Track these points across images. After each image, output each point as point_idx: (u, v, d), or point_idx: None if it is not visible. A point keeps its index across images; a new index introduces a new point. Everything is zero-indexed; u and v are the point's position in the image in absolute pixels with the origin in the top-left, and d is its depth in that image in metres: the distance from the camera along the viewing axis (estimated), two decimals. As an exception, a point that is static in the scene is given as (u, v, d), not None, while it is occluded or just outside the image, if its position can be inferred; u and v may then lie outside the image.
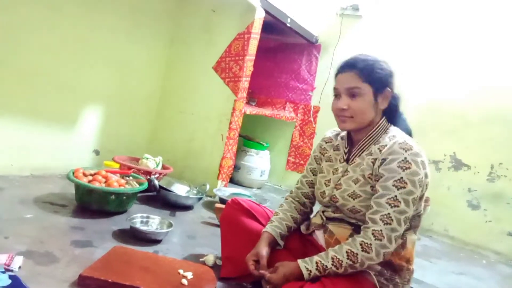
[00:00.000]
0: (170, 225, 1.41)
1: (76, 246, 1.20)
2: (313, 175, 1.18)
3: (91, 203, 1.49)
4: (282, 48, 2.94)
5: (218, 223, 1.58)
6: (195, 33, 2.34)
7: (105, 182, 1.53)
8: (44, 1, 1.71)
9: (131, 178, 1.68)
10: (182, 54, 2.38)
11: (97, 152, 2.13)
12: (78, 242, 1.23)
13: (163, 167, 2.06)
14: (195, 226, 1.64)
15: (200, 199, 1.89)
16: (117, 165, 1.89)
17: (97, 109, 2.09)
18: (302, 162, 2.80)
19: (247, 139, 2.72)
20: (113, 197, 1.49)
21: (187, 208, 1.84)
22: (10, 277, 0.87)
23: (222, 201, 1.93)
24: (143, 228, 1.38)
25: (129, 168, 1.84)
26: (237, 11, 2.16)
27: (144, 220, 1.44)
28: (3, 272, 0.87)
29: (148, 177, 1.84)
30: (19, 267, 0.97)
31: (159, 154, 2.11)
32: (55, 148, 1.91)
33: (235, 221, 1.20)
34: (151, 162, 2.03)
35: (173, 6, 2.37)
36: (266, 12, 2.15)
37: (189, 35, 2.36)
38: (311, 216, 1.20)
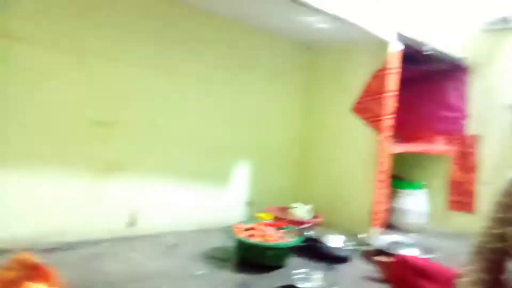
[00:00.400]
0: (332, 284, 1.33)
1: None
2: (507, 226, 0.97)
3: (251, 258, 1.52)
4: (423, 77, 2.70)
5: (383, 278, 1.44)
6: (327, 79, 2.34)
7: (263, 236, 1.56)
8: (197, 73, 1.94)
9: (286, 230, 1.68)
10: (316, 102, 2.40)
11: (249, 204, 2.23)
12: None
13: (314, 216, 2.03)
14: (358, 282, 1.52)
15: (356, 250, 1.77)
16: (270, 216, 1.93)
17: (244, 164, 2.21)
18: (466, 200, 2.43)
19: (398, 179, 2.51)
20: (270, 252, 1.50)
21: (343, 260, 1.73)
22: None
23: (380, 252, 1.77)
24: (307, 286, 1.33)
25: (282, 219, 1.85)
26: (370, 48, 2.09)
27: (306, 276, 1.39)
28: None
29: (300, 228, 1.82)
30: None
31: (305, 202, 2.09)
32: (214, 203, 2.06)
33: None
34: (301, 211, 2.02)
35: (304, 59, 2.43)
36: (402, 43, 2.03)
37: (322, 82, 2.37)
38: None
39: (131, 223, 1.75)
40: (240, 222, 1.69)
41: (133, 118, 1.72)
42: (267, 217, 1.92)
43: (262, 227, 1.63)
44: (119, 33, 1.65)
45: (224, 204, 2.12)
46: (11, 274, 0.40)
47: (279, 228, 1.70)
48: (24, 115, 1.43)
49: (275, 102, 2.33)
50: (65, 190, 1.54)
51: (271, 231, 1.62)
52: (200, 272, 1.43)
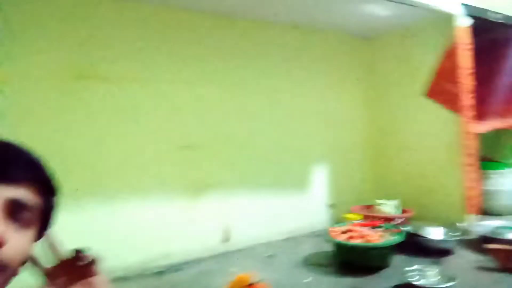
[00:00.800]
0: (451, 278, 1.26)
1: (366, 308, 1.19)
2: None
3: (353, 260, 1.50)
4: (491, 46, 2.53)
5: (498, 267, 1.36)
6: (392, 68, 2.27)
7: (362, 237, 1.52)
8: (264, 85, 1.96)
9: (383, 228, 1.64)
10: (384, 92, 2.33)
11: (331, 206, 2.20)
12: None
13: (403, 211, 1.96)
14: (473, 273, 1.43)
15: (459, 240, 1.68)
16: (359, 217, 1.89)
17: (321, 167, 2.19)
18: None
19: (486, 160, 2.36)
20: (374, 252, 1.46)
21: (447, 252, 1.65)
22: None
23: (487, 239, 1.67)
24: (423, 283, 1.28)
25: (374, 218, 1.81)
26: (436, 27, 1.99)
27: (419, 272, 1.34)
28: None
29: (395, 225, 1.76)
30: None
31: (388, 198, 2.03)
32: (298, 209, 2.06)
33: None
34: (389, 207, 1.96)
35: (365, 50, 2.38)
36: (470, 15, 1.92)
37: (387, 72, 2.30)
38: None
39: (226, 239, 1.79)
40: (334, 225, 1.67)
41: (213, 137, 1.77)
42: (356, 218, 1.88)
43: (358, 228, 1.60)
44: (186, 57, 1.72)
45: (308, 209, 2.11)
46: None
47: (375, 227, 1.66)
48: (116, 146, 1.52)
49: (341, 100, 2.29)
50: (164, 214, 1.62)
51: (368, 231, 1.58)
52: (307, 280, 1.43)
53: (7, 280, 0.54)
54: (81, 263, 0.64)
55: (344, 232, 1.59)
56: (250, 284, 0.43)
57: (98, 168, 1.47)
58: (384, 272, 1.46)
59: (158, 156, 1.61)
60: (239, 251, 1.78)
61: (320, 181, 2.19)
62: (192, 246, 1.68)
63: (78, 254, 0.64)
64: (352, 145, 2.33)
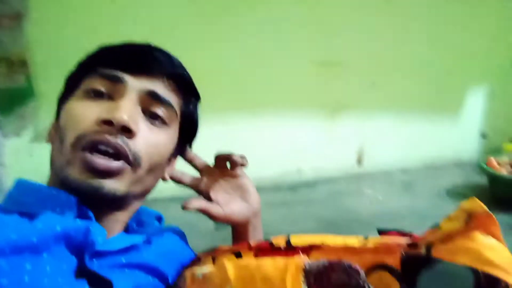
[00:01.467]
0: None
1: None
2: None
3: (515, 197, 1.29)
4: None
5: None
6: None
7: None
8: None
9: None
10: None
11: (484, 136, 1.91)
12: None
13: None
14: None
15: None
16: (522, 149, 1.60)
17: (478, 89, 1.87)
18: None
19: None
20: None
21: None
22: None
23: None
24: None
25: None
26: None
27: None
28: None
29: None
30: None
31: None
32: (443, 137, 1.84)
33: None
34: None
35: None
36: None
37: None
38: None
39: (360, 161, 1.71)
40: (490, 156, 1.44)
41: (355, 55, 1.60)
42: (519, 149, 1.60)
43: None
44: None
45: (456, 137, 1.86)
46: (454, 225, 0.33)
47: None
48: (259, 62, 1.47)
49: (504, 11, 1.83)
50: (300, 132, 1.58)
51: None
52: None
53: (138, 183, 0.50)
54: (227, 165, 0.62)
55: (505, 165, 1.37)
56: (481, 214, 0.34)
57: (241, 84, 1.45)
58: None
59: (298, 73, 1.52)
60: (373, 174, 1.69)
61: (474, 106, 1.88)
62: (325, 165, 1.65)
63: (223, 157, 0.62)
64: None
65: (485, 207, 0.34)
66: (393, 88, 1.69)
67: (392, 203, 1.41)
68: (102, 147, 0.46)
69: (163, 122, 0.52)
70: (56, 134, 0.51)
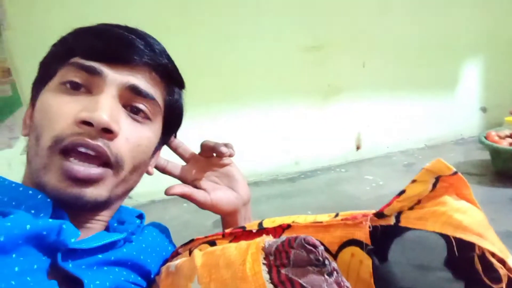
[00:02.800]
0: None
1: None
2: None
3: (519, 170, 1.25)
4: None
5: None
6: None
7: (532, 142, 1.25)
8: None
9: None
10: None
11: (484, 110, 1.87)
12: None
13: None
14: None
15: None
16: (523, 120, 1.56)
17: (474, 62, 1.83)
18: None
19: None
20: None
21: None
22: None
23: None
24: None
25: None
26: None
27: None
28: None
29: None
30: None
31: None
32: (441, 115, 1.80)
33: None
34: None
35: None
36: None
37: None
38: None
39: (358, 146, 1.69)
40: (495, 129, 1.40)
41: (341, 36, 1.58)
42: (520, 121, 1.55)
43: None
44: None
45: (454, 114, 1.83)
46: (420, 188, 0.31)
47: (547, 131, 1.34)
48: (243, 50, 1.44)
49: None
50: (295, 121, 1.56)
51: (539, 135, 1.29)
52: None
53: (120, 184, 0.47)
54: (213, 154, 0.60)
55: (505, 137, 1.33)
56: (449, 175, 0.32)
57: (226, 74, 1.44)
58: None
59: (286, 59, 1.50)
60: (373, 158, 1.67)
61: (471, 80, 1.84)
62: (322, 154, 1.63)
63: (209, 147, 0.59)
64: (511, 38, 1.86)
65: (453, 168, 0.32)
66: (384, 67, 1.66)
67: (394, 186, 1.37)
68: (82, 149, 0.42)
69: (146, 117, 0.49)
70: (32, 125, 0.47)
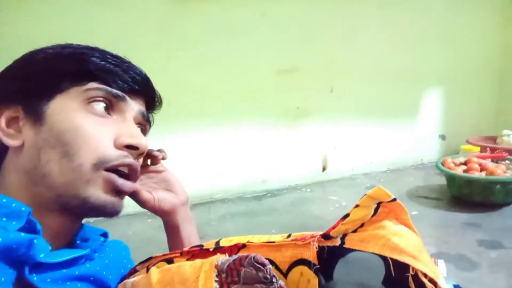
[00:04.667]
0: None
1: (486, 247, 1.05)
2: None
3: (472, 195, 1.33)
4: None
5: None
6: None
7: (484, 170, 1.33)
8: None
9: (508, 162, 1.41)
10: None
11: (443, 138, 1.98)
12: (484, 242, 1.08)
13: (535, 143, 1.67)
14: None
15: None
16: (477, 149, 1.66)
17: (435, 92, 1.94)
18: None
19: None
20: (498, 187, 1.27)
21: None
22: (456, 287, 0.80)
23: None
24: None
25: (497, 150, 1.57)
26: None
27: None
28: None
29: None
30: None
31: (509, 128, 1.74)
32: (403, 140, 1.89)
33: None
34: (516, 139, 1.68)
35: None
36: None
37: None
38: None
39: (324, 167, 1.74)
40: (451, 157, 1.48)
41: (312, 61, 1.64)
42: (475, 149, 1.65)
43: (478, 160, 1.40)
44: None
45: (415, 140, 1.92)
46: (363, 212, 0.33)
47: (497, 160, 1.43)
48: (216, 70, 1.47)
49: (465, 15, 1.92)
50: (262, 140, 1.59)
51: (490, 164, 1.38)
52: (414, 213, 1.32)
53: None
54: (148, 160, 0.63)
55: (459, 164, 1.41)
56: (389, 201, 0.35)
57: (200, 94, 1.46)
58: (506, 210, 1.28)
59: (258, 80, 1.54)
60: (337, 180, 1.72)
61: (433, 108, 1.95)
62: (289, 173, 1.66)
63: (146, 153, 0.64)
64: (474, 69, 2.00)
65: (391, 194, 0.35)
66: (351, 93, 1.73)
67: (355, 207, 1.43)
68: (122, 169, 0.49)
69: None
70: (35, 137, 0.47)
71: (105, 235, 0.62)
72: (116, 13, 1.27)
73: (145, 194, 0.60)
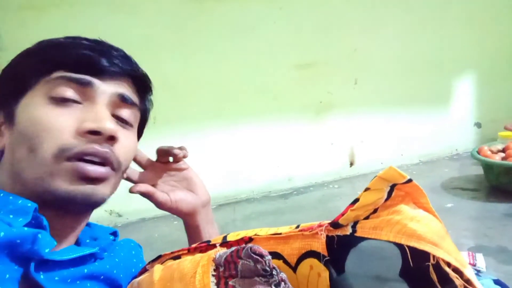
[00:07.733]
0: None
1: (532, 238, 0.97)
2: None
3: (511, 184, 1.23)
4: None
5: None
6: None
7: (525, 157, 1.24)
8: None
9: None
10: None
11: (478, 125, 1.87)
12: (528, 233, 1.00)
13: None
14: None
15: None
16: (516, 135, 1.55)
17: (466, 78, 1.84)
18: None
19: None
20: (542, 173, 1.17)
21: None
22: (496, 282, 0.73)
23: None
24: None
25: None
26: None
27: None
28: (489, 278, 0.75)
29: None
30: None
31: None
32: (435, 130, 1.80)
33: None
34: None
35: None
36: None
37: None
38: None
39: (351, 162, 1.68)
40: (487, 144, 1.39)
41: (333, 53, 1.59)
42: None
43: (518, 147, 1.30)
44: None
45: (448, 129, 1.82)
46: (375, 196, 0.30)
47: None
48: (235, 68, 1.45)
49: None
50: (286, 137, 1.55)
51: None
52: (449, 205, 1.24)
53: (118, 183, 0.52)
54: (170, 160, 0.62)
55: (497, 152, 1.32)
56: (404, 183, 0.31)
57: (221, 93, 1.43)
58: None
59: (277, 76, 1.51)
60: (366, 175, 1.65)
61: (464, 96, 1.84)
62: (315, 170, 1.61)
63: (164, 152, 0.62)
64: (503, 51, 1.87)
65: (406, 175, 0.32)
66: (377, 83, 1.66)
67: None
68: (89, 157, 0.46)
69: (129, 124, 0.53)
70: (13, 138, 0.48)
71: (115, 234, 0.61)
72: (132, 16, 1.27)
73: (160, 196, 0.59)
